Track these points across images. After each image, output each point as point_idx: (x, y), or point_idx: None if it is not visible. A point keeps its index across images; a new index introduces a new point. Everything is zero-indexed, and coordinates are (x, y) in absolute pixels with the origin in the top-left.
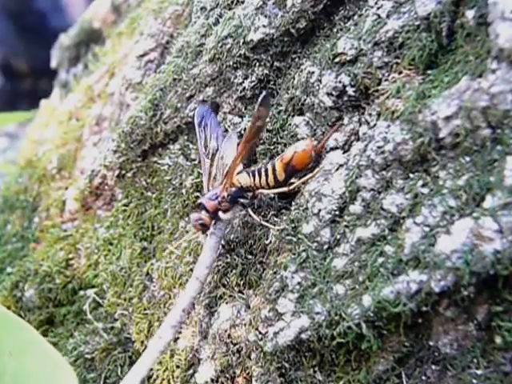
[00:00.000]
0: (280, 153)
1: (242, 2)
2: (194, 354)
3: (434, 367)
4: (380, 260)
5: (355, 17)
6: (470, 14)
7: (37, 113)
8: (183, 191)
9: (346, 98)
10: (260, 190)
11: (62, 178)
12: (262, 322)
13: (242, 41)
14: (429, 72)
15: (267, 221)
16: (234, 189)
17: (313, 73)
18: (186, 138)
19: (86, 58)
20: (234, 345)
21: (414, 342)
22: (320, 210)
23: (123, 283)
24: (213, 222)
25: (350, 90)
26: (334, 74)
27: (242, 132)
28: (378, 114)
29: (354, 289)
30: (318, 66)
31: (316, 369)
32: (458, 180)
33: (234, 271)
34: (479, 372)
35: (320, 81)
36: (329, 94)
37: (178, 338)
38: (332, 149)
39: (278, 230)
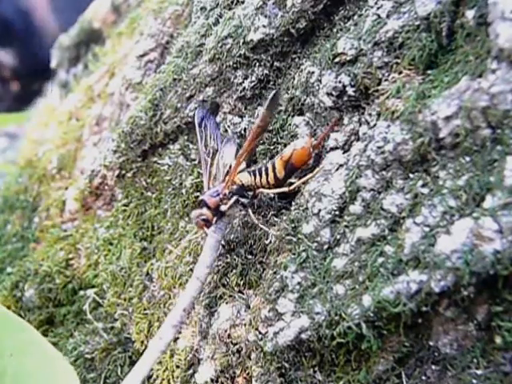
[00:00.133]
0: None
1: (242, 2)
2: (193, 354)
3: (434, 367)
4: (380, 260)
5: (355, 17)
6: (470, 14)
7: (35, 113)
8: (183, 191)
9: (346, 98)
10: (260, 190)
11: (62, 178)
12: (262, 322)
13: (242, 41)
14: (429, 72)
15: (267, 221)
16: (235, 187)
17: (313, 73)
18: (185, 138)
19: (86, 58)
20: (234, 345)
21: (414, 341)
22: (320, 210)
23: (123, 283)
24: (215, 218)
25: (350, 90)
26: (333, 74)
27: (242, 132)
28: (378, 114)
29: (354, 289)
30: (318, 65)
31: (316, 369)
32: (458, 180)
33: (234, 271)
34: (479, 372)
35: (320, 81)
36: (329, 94)
37: (177, 338)
38: (332, 149)
39: (273, 234)
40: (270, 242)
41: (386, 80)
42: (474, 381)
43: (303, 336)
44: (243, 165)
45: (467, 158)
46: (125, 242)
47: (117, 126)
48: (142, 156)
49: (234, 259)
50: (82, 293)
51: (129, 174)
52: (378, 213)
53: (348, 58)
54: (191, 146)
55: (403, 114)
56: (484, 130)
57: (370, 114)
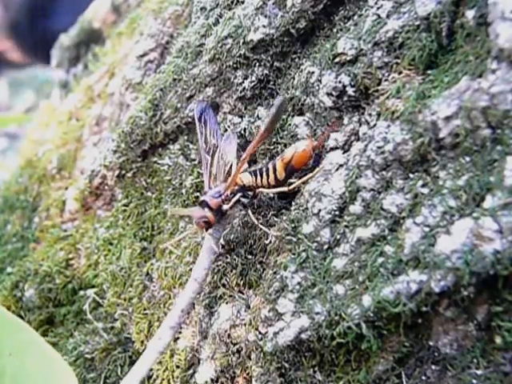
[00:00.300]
0: (280, 153)
1: (242, 2)
2: (194, 354)
3: (433, 367)
4: (380, 260)
5: (355, 17)
6: (470, 14)
7: (37, 113)
8: (183, 191)
9: (345, 98)
10: (260, 189)
11: (62, 178)
12: (262, 322)
13: (241, 41)
14: (429, 72)
15: (267, 221)
16: (236, 187)
17: (313, 73)
18: (185, 138)
19: (86, 58)
20: (234, 345)
21: (414, 341)
22: (320, 210)
23: (123, 283)
24: (216, 219)
25: (350, 90)
26: (333, 74)
27: (242, 132)
28: (378, 114)
29: (353, 289)
30: (318, 66)
31: (316, 369)
32: (458, 180)
33: (234, 271)
34: (479, 372)
35: (320, 81)
36: (329, 94)
37: (177, 338)
38: (332, 149)
39: (273, 235)
40: (270, 242)
41: (386, 80)
42: (474, 381)
43: (303, 336)
44: (245, 165)
45: (467, 158)
46: (125, 242)
47: (117, 126)
48: (142, 156)
49: (234, 259)
50: (82, 293)
51: (129, 174)
52: (378, 213)
53: (348, 58)
54: (191, 146)
55: (403, 114)
56: (484, 130)
57: (370, 114)
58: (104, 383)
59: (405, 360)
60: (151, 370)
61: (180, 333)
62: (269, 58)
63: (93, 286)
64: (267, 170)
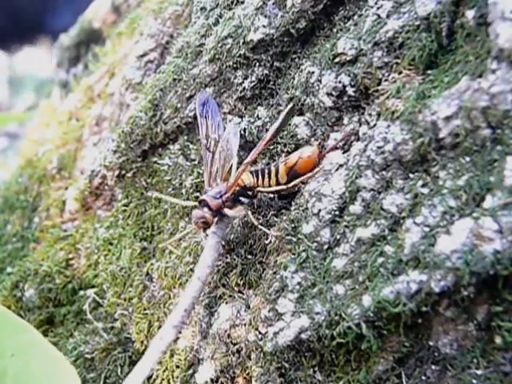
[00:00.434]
0: (279, 153)
1: (242, 2)
2: (193, 354)
3: (433, 367)
4: (380, 260)
5: (355, 17)
6: (470, 14)
7: (37, 113)
8: (183, 191)
9: (345, 98)
10: (259, 188)
11: (62, 178)
12: (262, 322)
13: (241, 41)
14: (429, 72)
15: (267, 221)
16: (237, 188)
17: (313, 73)
18: (185, 138)
19: (86, 58)
20: (234, 345)
21: (413, 342)
22: (320, 210)
23: (123, 283)
24: (215, 220)
25: (350, 90)
26: (333, 74)
27: (242, 132)
28: (378, 114)
29: (353, 289)
30: (317, 66)
31: (316, 369)
32: (458, 180)
33: (234, 271)
34: (479, 372)
35: (320, 81)
36: (329, 94)
37: (178, 338)
38: (332, 149)
39: (273, 235)
40: (270, 242)
41: (386, 80)
42: (474, 381)
43: (303, 336)
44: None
45: (467, 158)
46: (125, 242)
47: (117, 126)
48: (142, 156)
49: (234, 259)
50: (82, 293)
51: (129, 174)
52: (378, 213)
53: (348, 58)
54: (191, 146)
55: (403, 114)
56: (484, 130)
57: (370, 114)
58: (104, 383)
59: (405, 360)
60: (152, 370)
61: (180, 333)
62: (269, 58)
63: (93, 286)
64: (269, 172)
